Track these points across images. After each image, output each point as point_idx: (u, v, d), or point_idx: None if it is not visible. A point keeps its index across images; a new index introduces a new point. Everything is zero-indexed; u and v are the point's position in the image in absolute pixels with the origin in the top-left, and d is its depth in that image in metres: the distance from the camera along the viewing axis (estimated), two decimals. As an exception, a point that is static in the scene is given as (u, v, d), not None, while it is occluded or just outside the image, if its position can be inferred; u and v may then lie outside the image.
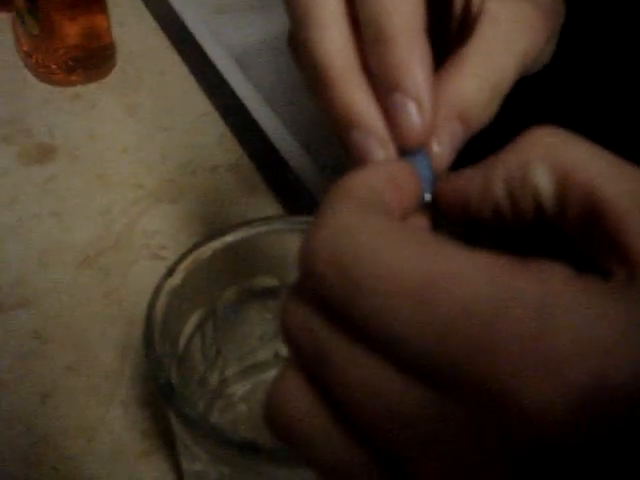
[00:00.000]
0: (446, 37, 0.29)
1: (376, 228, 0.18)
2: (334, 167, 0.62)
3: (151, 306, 0.31)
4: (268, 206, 0.54)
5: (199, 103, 0.63)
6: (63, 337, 0.46)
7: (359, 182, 0.20)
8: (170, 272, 0.32)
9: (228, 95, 0.63)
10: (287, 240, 0.35)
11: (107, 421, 0.42)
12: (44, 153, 0.58)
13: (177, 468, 0.40)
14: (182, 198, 0.54)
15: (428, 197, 0.24)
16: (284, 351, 0.40)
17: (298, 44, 0.26)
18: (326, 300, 0.18)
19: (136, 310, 0.47)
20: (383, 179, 0.21)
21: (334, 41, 0.24)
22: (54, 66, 0.64)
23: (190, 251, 0.33)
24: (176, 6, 0.72)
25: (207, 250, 0.34)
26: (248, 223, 0.35)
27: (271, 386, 0.20)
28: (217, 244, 0.34)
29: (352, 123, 0.24)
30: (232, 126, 0.61)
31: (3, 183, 0.55)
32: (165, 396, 0.29)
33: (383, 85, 0.23)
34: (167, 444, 0.41)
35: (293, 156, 0.59)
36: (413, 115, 0.23)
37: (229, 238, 0.34)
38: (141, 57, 0.67)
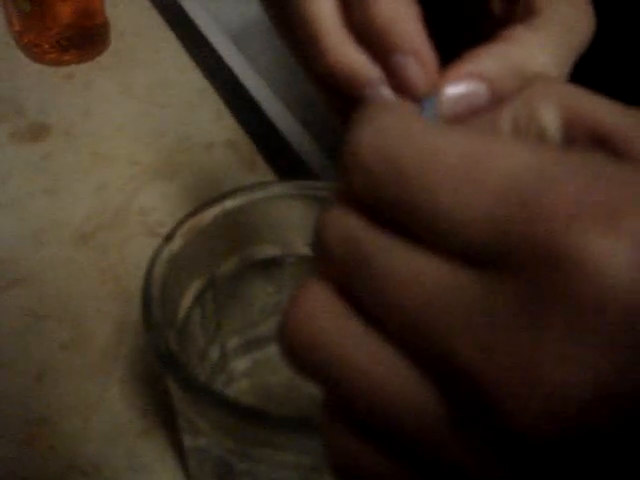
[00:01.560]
0: (481, 23, 0.30)
1: (423, 125, 0.17)
2: (332, 142, 0.61)
3: (149, 272, 0.30)
4: (267, 182, 0.53)
5: (194, 80, 0.61)
6: (59, 315, 0.44)
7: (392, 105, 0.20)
8: (168, 238, 0.31)
9: (224, 71, 0.62)
10: (288, 206, 0.34)
11: (105, 399, 0.41)
12: (38, 132, 0.56)
13: (178, 446, 0.39)
14: (179, 175, 0.53)
15: None
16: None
17: (288, 11, 0.26)
18: (371, 195, 0.17)
19: (133, 287, 0.46)
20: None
21: (328, 9, 0.25)
22: (47, 45, 0.63)
23: (188, 217, 0.32)
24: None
25: (206, 216, 0.32)
26: (248, 188, 0.33)
27: (291, 299, 0.18)
28: (216, 210, 0.33)
29: (360, 78, 0.24)
30: (228, 102, 0.59)
31: (-4, 162, 0.54)
32: (165, 365, 0.28)
33: (379, 47, 0.24)
34: (167, 422, 0.40)
35: (291, 132, 0.57)
36: (415, 69, 0.23)
37: (228, 203, 0.33)
38: (135, 36, 0.66)
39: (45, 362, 0.42)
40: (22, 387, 0.41)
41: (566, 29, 0.26)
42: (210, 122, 0.58)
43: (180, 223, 0.32)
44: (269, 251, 0.36)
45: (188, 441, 0.35)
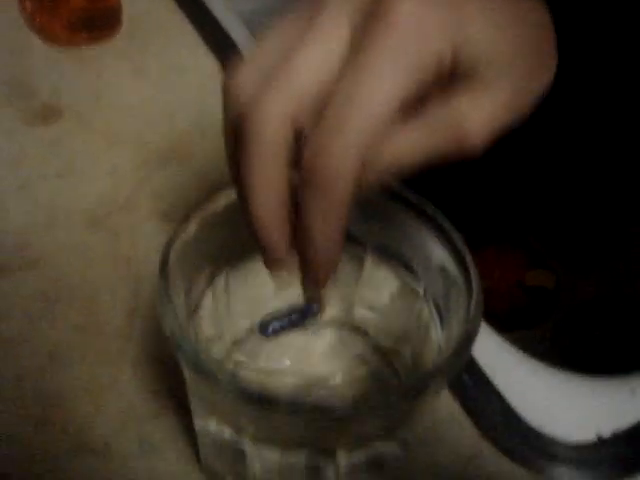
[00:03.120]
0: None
1: None
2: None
3: (164, 257, 0.30)
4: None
5: (207, 64, 0.61)
6: (71, 298, 0.45)
7: None
8: (183, 223, 0.31)
9: (236, 56, 0.62)
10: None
11: (117, 381, 0.41)
12: (49, 114, 0.57)
13: (189, 429, 0.39)
14: (191, 159, 0.53)
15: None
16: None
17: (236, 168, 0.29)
18: None
19: (146, 271, 0.46)
20: None
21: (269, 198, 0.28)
22: (59, 27, 0.63)
23: (203, 202, 0.32)
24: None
25: (220, 201, 0.33)
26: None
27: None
28: (230, 196, 0.33)
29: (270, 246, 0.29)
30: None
31: (7, 144, 0.54)
32: (178, 346, 0.28)
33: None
34: (179, 405, 0.40)
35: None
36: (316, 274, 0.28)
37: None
38: (148, 19, 0.66)
39: (57, 344, 0.43)
40: (34, 369, 0.42)
41: (500, 89, 0.27)
42: (222, 107, 0.58)
43: (195, 209, 0.32)
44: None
45: (200, 424, 0.35)
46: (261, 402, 0.26)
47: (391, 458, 0.35)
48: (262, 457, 0.33)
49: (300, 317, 0.35)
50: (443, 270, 0.33)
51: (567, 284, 0.78)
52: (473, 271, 0.31)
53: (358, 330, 0.39)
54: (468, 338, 0.30)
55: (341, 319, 0.39)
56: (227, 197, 0.33)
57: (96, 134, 0.55)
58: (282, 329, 0.34)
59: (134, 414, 0.40)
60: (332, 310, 0.38)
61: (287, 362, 0.38)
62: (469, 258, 0.32)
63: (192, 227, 0.32)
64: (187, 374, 0.30)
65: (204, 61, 0.62)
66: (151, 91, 0.59)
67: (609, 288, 0.77)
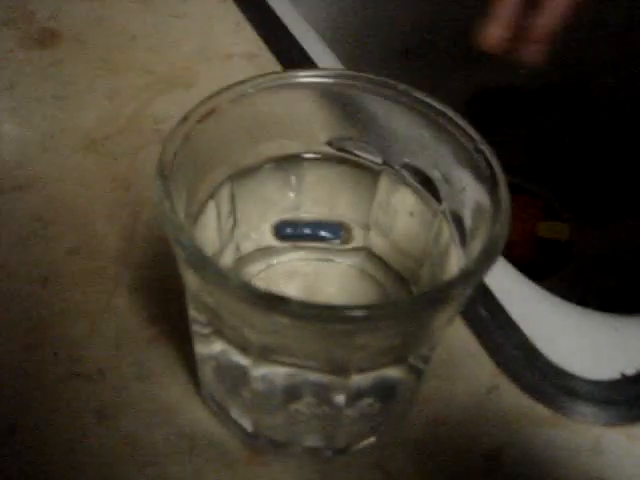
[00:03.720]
0: None
1: None
2: (351, 58, 0.59)
3: (164, 149, 0.28)
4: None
5: (214, -9, 0.58)
6: (66, 221, 0.42)
7: None
8: (184, 119, 0.29)
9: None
10: (312, 97, 0.31)
11: (112, 306, 0.39)
12: (48, 38, 0.54)
13: (186, 355, 0.37)
14: (196, 84, 0.51)
15: None
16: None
17: None
18: None
19: (144, 195, 0.43)
20: None
21: None
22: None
23: (204, 100, 0.30)
24: None
25: (222, 99, 0.30)
26: (269, 74, 0.31)
27: None
28: (233, 94, 0.30)
29: None
30: (248, 15, 0.56)
31: (3, 67, 0.51)
32: (177, 238, 0.25)
33: None
34: (175, 331, 0.38)
35: (312, 47, 0.55)
36: None
37: (246, 89, 0.30)
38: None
39: (51, 267, 0.40)
40: (26, 292, 0.39)
41: None
42: (229, 34, 0.55)
43: (195, 107, 0.30)
44: (288, 147, 0.33)
45: (200, 349, 0.33)
46: (270, 302, 0.23)
47: (402, 387, 0.33)
48: (266, 380, 0.31)
49: (320, 237, 0.32)
50: (468, 184, 0.31)
51: (581, 236, 0.76)
52: (501, 180, 0.29)
53: (375, 255, 0.36)
54: (489, 255, 0.28)
55: (358, 245, 0.36)
56: (229, 95, 0.30)
57: (96, 59, 0.53)
58: (298, 237, 0.31)
59: (129, 339, 0.38)
60: (352, 237, 0.36)
61: (297, 288, 0.36)
62: (498, 168, 0.29)
63: (191, 125, 0.29)
64: (189, 280, 0.28)
65: (211, -13, 0.59)
66: (155, 18, 0.56)
67: (623, 241, 0.75)
